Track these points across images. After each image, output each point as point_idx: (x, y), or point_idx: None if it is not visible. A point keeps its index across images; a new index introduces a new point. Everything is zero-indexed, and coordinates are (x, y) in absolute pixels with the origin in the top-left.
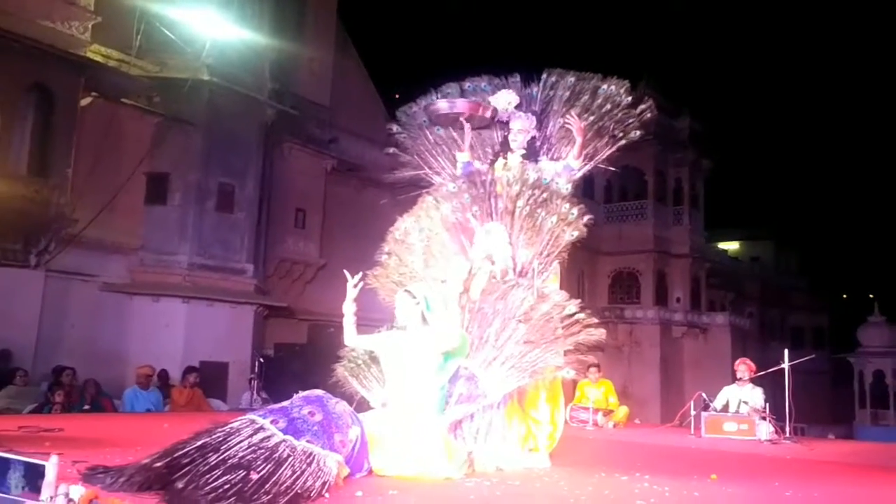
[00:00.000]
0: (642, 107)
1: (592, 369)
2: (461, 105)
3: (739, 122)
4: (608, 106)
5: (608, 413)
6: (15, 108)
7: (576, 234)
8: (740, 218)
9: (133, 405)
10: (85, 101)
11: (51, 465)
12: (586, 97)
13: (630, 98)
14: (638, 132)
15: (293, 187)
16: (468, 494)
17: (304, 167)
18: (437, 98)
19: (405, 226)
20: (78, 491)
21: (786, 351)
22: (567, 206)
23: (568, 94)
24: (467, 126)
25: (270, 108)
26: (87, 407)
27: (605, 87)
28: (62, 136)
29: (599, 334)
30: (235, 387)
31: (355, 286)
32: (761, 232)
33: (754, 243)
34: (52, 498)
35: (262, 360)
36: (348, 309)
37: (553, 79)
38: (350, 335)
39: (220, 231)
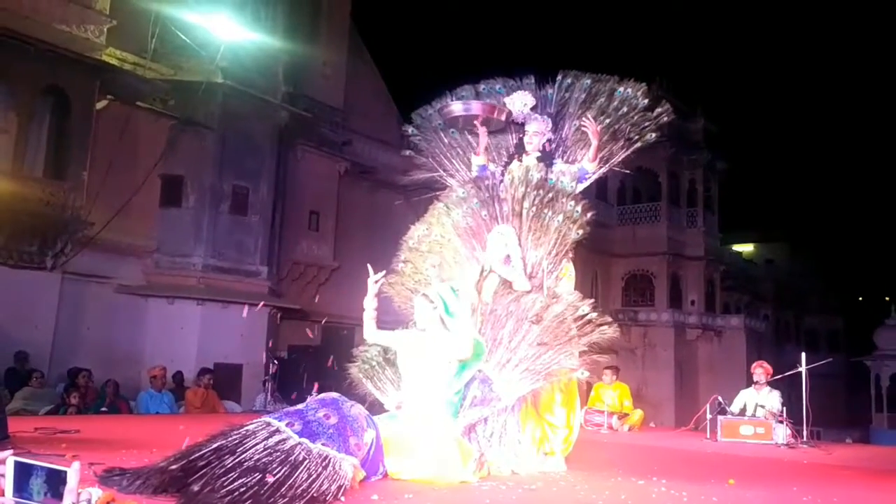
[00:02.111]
0: (660, 110)
1: (608, 371)
2: (476, 107)
3: (754, 124)
4: (624, 109)
5: (623, 416)
6: (31, 111)
7: (581, 231)
8: (755, 220)
9: (147, 407)
10: (100, 105)
11: (73, 472)
12: (602, 99)
13: (647, 101)
14: (654, 135)
15: (307, 190)
16: (484, 498)
17: (317, 170)
18: (452, 100)
19: (418, 234)
20: (95, 493)
21: (803, 354)
22: (572, 203)
23: (584, 96)
24: (482, 129)
25: (284, 111)
26: (104, 409)
27: (621, 89)
28: (78, 138)
29: (612, 331)
30: (249, 388)
31: (376, 282)
32: (776, 234)
33: (769, 245)
34: None
35: (276, 361)
36: (369, 304)
37: (568, 80)
38: (370, 330)
39: (234, 233)
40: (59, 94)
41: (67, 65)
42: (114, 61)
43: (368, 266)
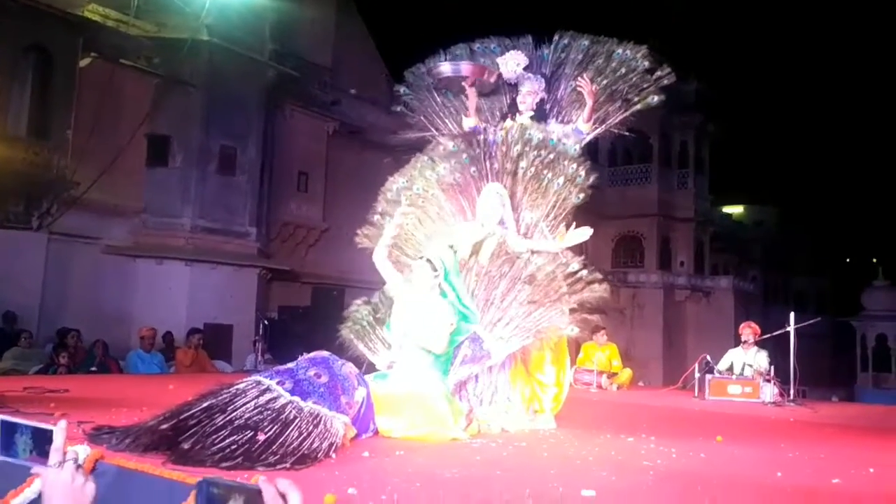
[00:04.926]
0: (660, 73)
1: (601, 332)
2: (465, 69)
3: (745, 86)
4: (623, 70)
5: (612, 375)
6: (14, 69)
7: (582, 196)
8: (745, 182)
9: (137, 367)
10: (84, 62)
11: (58, 430)
12: (600, 61)
13: (647, 63)
14: (656, 98)
15: (295, 150)
16: (474, 455)
17: (305, 130)
18: (444, 59)
19: (397, 186)
20: (83, 451)
21: (791, 314)
22: (574, 167)
23: (581, 56)
24: (472, 91)
25: (271, 70)
26: (93, 368)
27: (620, 50)
28: (61, 97)
29: (603, 290)
30: (240, 349)
31: (404, 214)
32: (766, 196)
33: (759, 207)
34: (60, 463)
35: (266, 322)
36: (388, 231)
37: (565, 41)
38: (380, 253)
39: (222, 194)
40: (42, 52)
41: (49, 21)
42: (96, 18)
43: (403, 198)
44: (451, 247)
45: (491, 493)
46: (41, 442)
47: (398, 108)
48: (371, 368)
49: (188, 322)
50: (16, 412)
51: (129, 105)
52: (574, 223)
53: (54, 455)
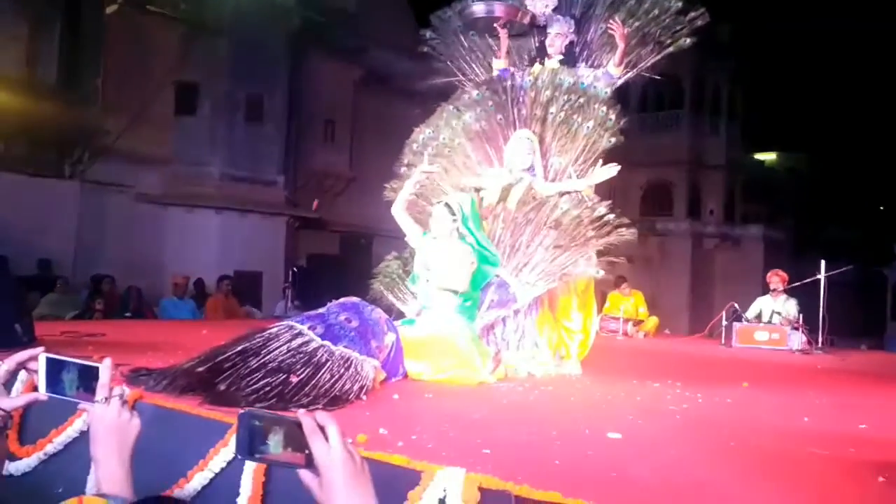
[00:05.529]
0: (693, 14)
1: (624, 284)
2: (498, 9)
3: (781, 30)
4: (655, 11)
5: (638, 323)
6: (42, 19)
7: (613, 140)
8: (778, 129)
9: (170, 313)
10: (111, 9)
11: (104, 368)
12: (632, 1)
13: (680, 4)
14: (688, 40)
15: (322, 98)
16: (501, 398)
17: (331, 78)
18: (473, 1)
19: (423, 136)
20: (126, 390)
21: (822, 262)
22: (605, 110)
23: None
24: (503, 32)
25: (296, 15)
26: (128, 314)
27: None
28: (90, 45)
29: (630, 234)
30: (269, 295)
31: (424, 172)
32: (799, 143)
33: (791, 155)
34: (106, 399)
35: (295, 269)
36: (409, 185)
37: None
38: (399, 207)
39: (250, 142)
40: (69, 0)
41: None
42: None
43: (429, 149)
44: (479, 191)
45: (519, 435)
46: (87, 379)
47: (424, 50)
48: (400, 316)
49: (218, 269)
50: (60, 354)
51: (158, 53)
52: (601, 162)
53: (101, 391)
